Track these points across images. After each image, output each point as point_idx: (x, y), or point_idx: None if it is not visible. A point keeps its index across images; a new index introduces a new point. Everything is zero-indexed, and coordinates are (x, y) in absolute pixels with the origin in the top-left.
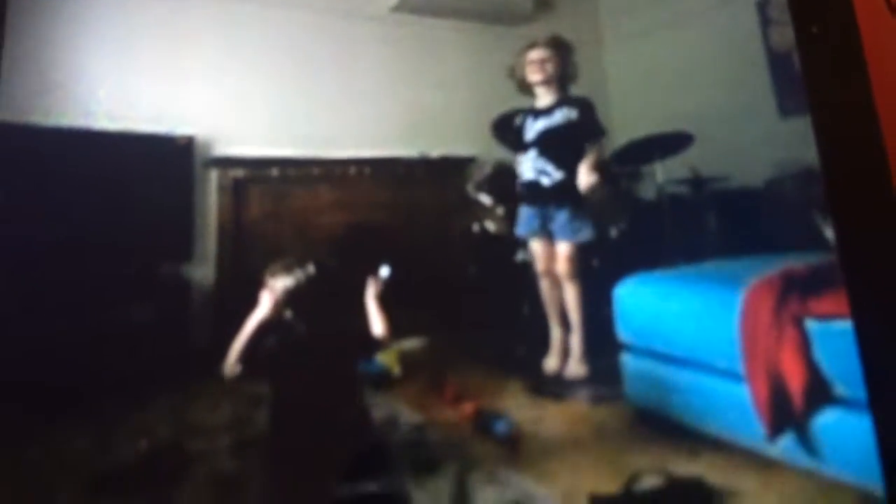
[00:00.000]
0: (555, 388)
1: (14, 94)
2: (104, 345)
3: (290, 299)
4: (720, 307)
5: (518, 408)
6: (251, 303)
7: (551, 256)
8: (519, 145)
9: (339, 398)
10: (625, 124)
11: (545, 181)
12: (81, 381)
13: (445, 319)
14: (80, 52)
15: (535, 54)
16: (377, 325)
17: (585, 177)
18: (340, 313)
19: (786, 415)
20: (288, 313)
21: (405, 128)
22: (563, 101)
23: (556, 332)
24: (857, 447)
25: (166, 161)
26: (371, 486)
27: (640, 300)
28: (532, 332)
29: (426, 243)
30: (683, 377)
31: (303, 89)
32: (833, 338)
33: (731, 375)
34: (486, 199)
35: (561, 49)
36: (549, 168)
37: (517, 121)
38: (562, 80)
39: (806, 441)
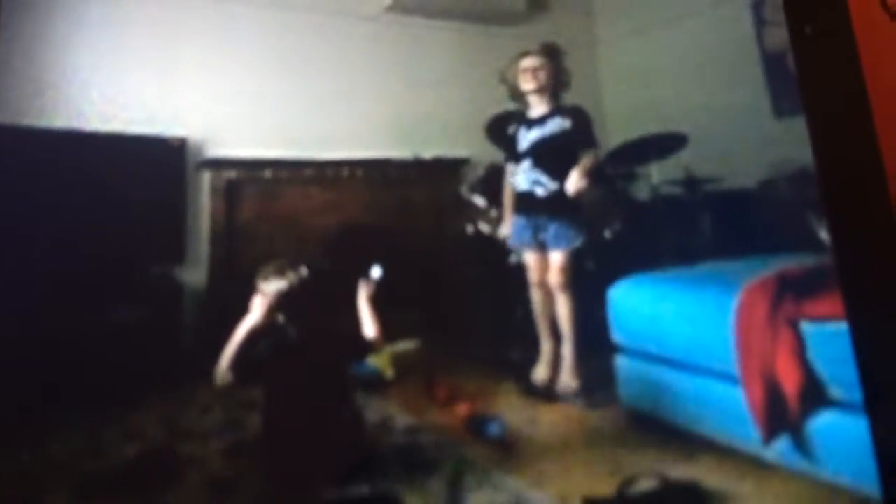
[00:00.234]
0: (547, 392)
1: (6, 95)
2: (94, 347)
3: (282, 303)
4: (715, 309)
5: (511, 410)
6: (244, 305)
7: (544, 267)
8: (512, 155)
9: (331, 401)
10: (619, 125)
11: (539, 191)
12: (71, 384)
13: (439, 321)
14: (73, 53)
15: (528, 63)
16: (369, 327)
17: (574, 181)
18: (332, 316)
19: (781, 417)
20: (280, 317)
21: (399, 128)
22: (557, 110)
23: (546, 345)
24: (852, 450)
25: (159, 162)
26: (363, 489)
27: (634, 302)
28: (526, 334)
29: (419, 245)
30: (678, 380)
31: (296, 90)
32: (828, 340)
33: (725, 378)
34: (479, 200)
35: (554, 57)
36: (544, 178)
37: (510, 130)
38: (555, 88)
39: (801, 444)
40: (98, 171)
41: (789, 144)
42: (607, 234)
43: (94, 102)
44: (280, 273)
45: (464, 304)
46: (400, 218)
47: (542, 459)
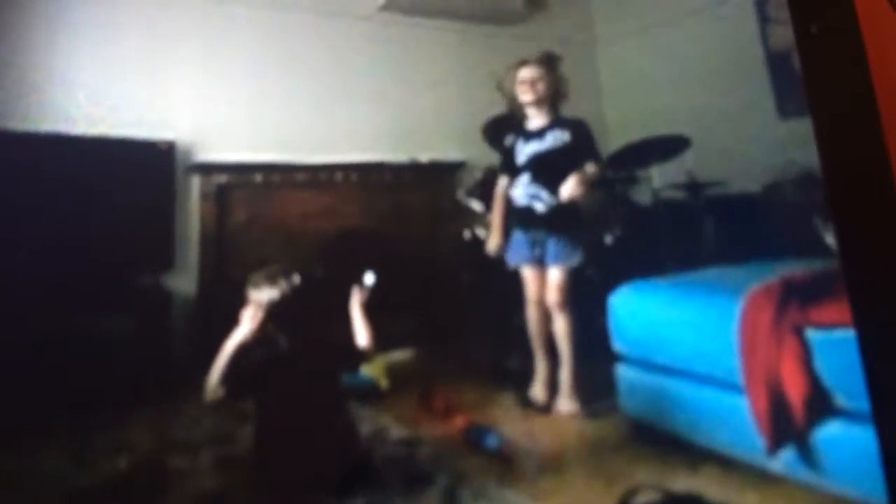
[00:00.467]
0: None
1: None
2: (81, 357)
3: (273, 313)
4: (718, 316)
5: (510, 421)
6: (234, 313)
7: (542, 284)
8: (510, 169)
9: (324, 412)
10: (619, 127)
11: (538, 206)
12: (57, 394)
13: (435, 329)
14: (59, 55)
15: (526, 73)
16: (362, 335)
17: (569, 187)
18: (325, 325)
19: (786, 427)
20: (271, 327)
21: (394, 131)
22: (556, 122)
23: (541, 365)
24: (860, 460)
25: (147, 167)
26: (357, 502)
27: (635, 309)
28: (524, 342)
29: (415, 251)
30: (681, 389)
31: (288, 92)
32: (834, 347)
33: (729, 387)
34: (477, 205)
35: (552, 66)
36: (542, 193)
37: (507, 142)
38: (553, 99)
39: (807, 454)
40: (84, 175)
41: (794, 146)
42: (608, 239)
43: (81, 105)
44: (271, 281)
45: (461, 311)
46: (395, 223)
47: (540, 472)
